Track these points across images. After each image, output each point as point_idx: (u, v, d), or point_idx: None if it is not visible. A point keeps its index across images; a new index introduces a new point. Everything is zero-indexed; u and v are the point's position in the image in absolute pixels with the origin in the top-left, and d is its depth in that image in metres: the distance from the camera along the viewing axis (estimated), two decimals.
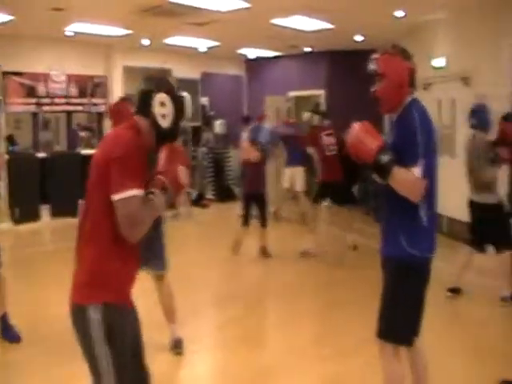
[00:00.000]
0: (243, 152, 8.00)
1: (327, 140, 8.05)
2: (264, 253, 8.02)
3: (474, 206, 5.85)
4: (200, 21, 9.33)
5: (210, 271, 7.37)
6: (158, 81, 2.60)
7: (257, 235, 8.02)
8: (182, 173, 2.56)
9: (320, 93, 13.44)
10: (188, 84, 11.91)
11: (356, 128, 2.96)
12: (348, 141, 2.98)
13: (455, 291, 6.07)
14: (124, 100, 4.97)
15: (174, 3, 7.97)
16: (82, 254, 2.45)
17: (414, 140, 2.84)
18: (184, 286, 6.11)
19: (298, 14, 8.96)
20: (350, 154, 3.00)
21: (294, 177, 10.57)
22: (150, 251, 4.17)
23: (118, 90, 11.99)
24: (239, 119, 11.94)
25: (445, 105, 9.24)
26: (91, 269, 2.40)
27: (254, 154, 7.76)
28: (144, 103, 2.53)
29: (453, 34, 9.25)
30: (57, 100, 11.35)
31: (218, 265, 7.85)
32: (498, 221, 5.77)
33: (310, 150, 8.50)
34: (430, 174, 2.92)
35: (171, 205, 2.57)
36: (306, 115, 8.95)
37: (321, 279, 7.12)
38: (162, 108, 2.51)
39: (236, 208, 11.37)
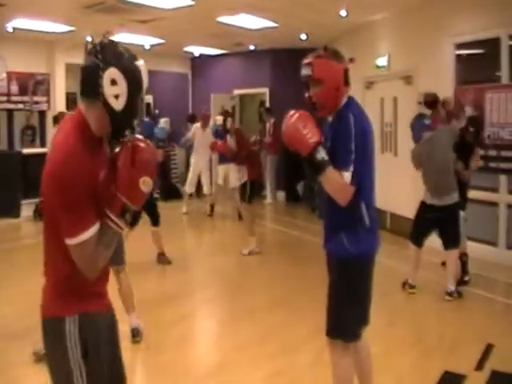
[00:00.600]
0: None
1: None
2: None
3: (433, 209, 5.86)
4: (144, 18, 9.25)
5: (155, 269, 7.33)
6: (104, 52, 2.08)
7: (207, 231, 7.98)
8: (146, 185, 2.12)
9: (265, 91, 13.50)
10: None
11: (294, 117, 2.86)
12: (283, 128, 2.89)
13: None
14: None
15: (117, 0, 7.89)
16: (47, 263, 2.25)
17: (348, 146, 2.82)
18: (132, 283, 6.06)
19: (242, 12, 8.98)
20: (284, 142, 2.91)
21: (228, 173, 10.66)
22: None
23: (60, 87, 11.79)
24: (184, 117, 11.89)
25: (387, 103, 9.42)
26: (58, 280, 2.20)
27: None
28: (91, 83, 2.07)
29: (395, 34, 9.42)
30: None
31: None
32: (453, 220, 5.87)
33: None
34: (367, 174, 2.95)
35: None
36: (219, 119, 8.99)
37: (265, 276, 7.18)
38: (114, 87, 2.05)
39: (181, 207, 11.36)
